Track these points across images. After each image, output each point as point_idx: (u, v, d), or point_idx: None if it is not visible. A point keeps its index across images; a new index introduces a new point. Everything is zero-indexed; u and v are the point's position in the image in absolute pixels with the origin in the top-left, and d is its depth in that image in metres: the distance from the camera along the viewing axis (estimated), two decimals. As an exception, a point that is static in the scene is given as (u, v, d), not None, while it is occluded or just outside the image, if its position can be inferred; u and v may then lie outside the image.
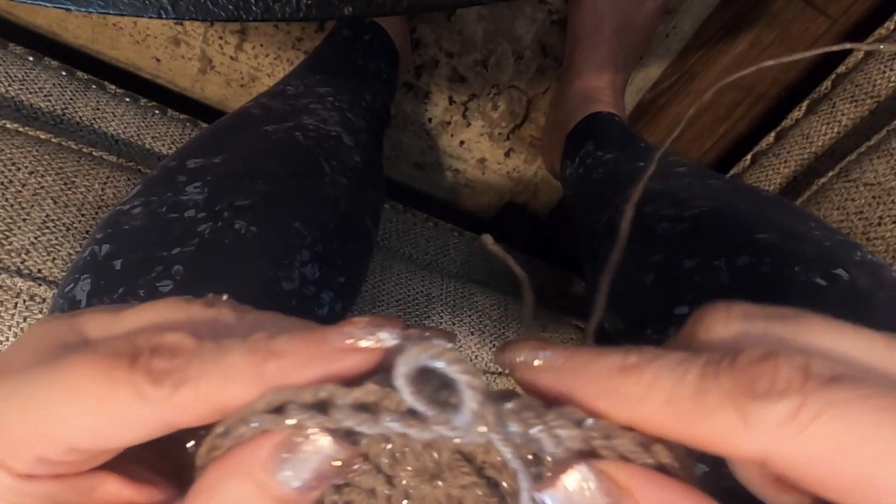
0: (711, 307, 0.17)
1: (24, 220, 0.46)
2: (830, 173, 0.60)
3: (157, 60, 0.79)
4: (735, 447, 0.14)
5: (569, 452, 0.15)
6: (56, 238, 0.47)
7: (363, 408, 0.16)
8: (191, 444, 0.18)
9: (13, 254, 0.45)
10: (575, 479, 0.15)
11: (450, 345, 0.16)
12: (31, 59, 0.61)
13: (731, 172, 0.75)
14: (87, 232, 0.48)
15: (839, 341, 0.15)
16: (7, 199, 0.47)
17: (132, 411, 0.15)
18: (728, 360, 0.14)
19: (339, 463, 0.15)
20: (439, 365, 0.15)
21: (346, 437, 0.16)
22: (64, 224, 0.48)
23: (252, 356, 0.15)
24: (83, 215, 0.49)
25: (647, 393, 0.14)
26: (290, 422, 0.15)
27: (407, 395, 0.15)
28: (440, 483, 0.17)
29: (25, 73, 0.59)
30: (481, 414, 0.15)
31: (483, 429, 0.15)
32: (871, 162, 0.56)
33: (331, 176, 0.43)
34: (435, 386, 0.16)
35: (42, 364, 0.16)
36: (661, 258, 0.42)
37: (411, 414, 0.16)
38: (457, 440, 0.16)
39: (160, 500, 0.18)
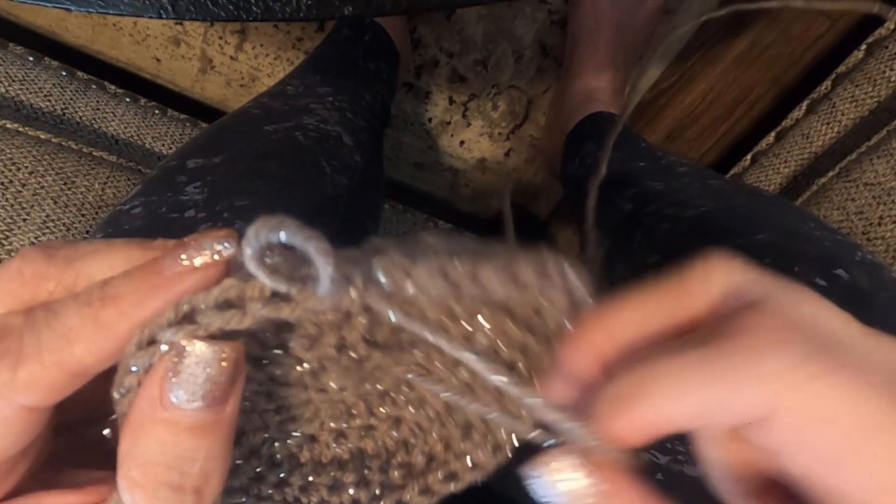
0: (714, 258, 0.17)
1: (24, 220, 0.46)
2: (830, 173, 0.60)
3: (157, 60, 0.79)
4: (740, 397, 0.14)
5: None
6: (56, 238, 0.47)
7: (228, 305, 0.15)
8: (106, 431, 0.17)
9: (13, 254, 0.45)
10: (563, 465, 0.15)
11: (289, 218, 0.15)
12: (31, 59, 0.61)
13: (731, 172, 0.75)
14: (87, 232, 0.48)
15: (827, 318, 0.16)
16: (7, 199, 0.47)
17: None
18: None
19: (226, 362, 0.15)
20: (283, 237, 0.14)
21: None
22: (64, 224, 0.48)
23: (87, 308, 0.15)
24: (83, 215, 0.49)
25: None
26: (163, 347, 0.15)
27: (263, 278, 0.15)
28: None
29: (25, 73, 0.59)
30: (340, 277, 0.15)
31: (353, 293, 0.15)
32: (871, 162, 0.56)
33: (331, 176, 0.43)
34: (294, 263, 0.15)
35: None
36: (661, 258, 0.42)
37: (277, 297, 0.15)
38: (327, 310, 0.16)
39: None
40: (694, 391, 0.14)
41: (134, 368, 0.15)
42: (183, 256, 0.15)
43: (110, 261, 0.16)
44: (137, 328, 0.15)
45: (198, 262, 0.15)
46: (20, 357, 0.14)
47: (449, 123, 0.83)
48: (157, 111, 0.65)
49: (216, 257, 0.15)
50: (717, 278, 0.16)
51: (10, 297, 0.16)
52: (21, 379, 0.14)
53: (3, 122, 0.52)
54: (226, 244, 0.15)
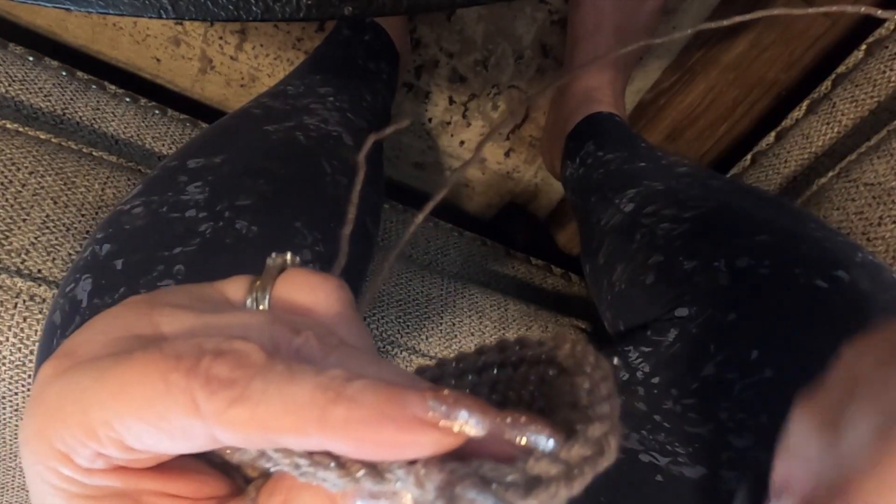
0: None
1: (24, 220, 0.46)
2: (830, 173, 0.60)
3: (157, 60, 0.79)
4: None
5: None
6: (56, 238, 0.47)
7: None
8: (230, 451, 0.17)
9: (13, 254, 0.45)
10: None
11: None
12: (31, 59, 0.61)
13: (731, 172, 0.75)
14: (88, 232, 0.48)
15: None
16: (7, 199, 0.46)
17: (180, 420, 0.14)
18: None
19: None
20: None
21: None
22: (64, 224, 0.48)
23: (322, 394, 0.14)
24: (83, 215, 0.49)
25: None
26: (398, 485, 0.13)
27: None
28: None
29: (25, 73, 0.59)
30: None
31: None
32: (871, 162, 0.56)
33: (331, 176, 0.43)
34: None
35: (108, 356, 0.15)
36: (662, 259, 0.42)
37: None
38: None
39: (211, 494, 0.17)
40: None
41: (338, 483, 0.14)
42: (432, 406, 0.14)
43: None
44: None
45: (443, 423, 0.13)
46: (241, 397, 0.14)
47: (449, 123, 0.83)
48: (157, 111, 0.65)
49: (460, 430, 0.14)
50: None
51: (264, 325, 0.16)
52: (228, 416, 0.14)
53: (3, 122, 0.52)
54: (478, 424, 0.14)
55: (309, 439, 0.14)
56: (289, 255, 0.19)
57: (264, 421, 0.14)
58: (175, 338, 0.16)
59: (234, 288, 0.18)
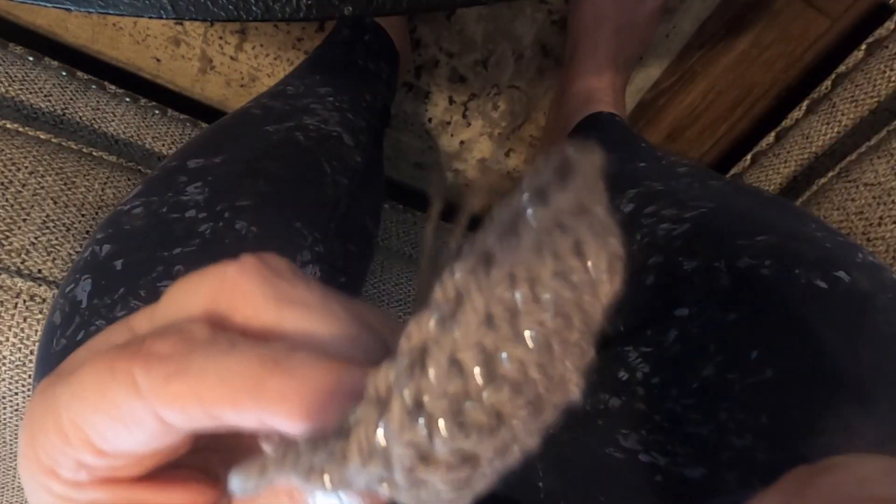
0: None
1: (24, 220, 0.46)
2: (830, 173, 0.60)
3: (157, 60, 0.79)
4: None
5: None
6: (56, 238, 0.47)
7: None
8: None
9: (13, 254, 0.45)
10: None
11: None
12: (31, 59, 0.61)
13: (731, 172, 0.75)
14: (88, 232, 0.48)
15: None
16: (7, 199, 0.46)
17: (126, 404, 0.14)
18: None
19: None
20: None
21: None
22: (64, 224, 0.48)
23: (259, 366, 0.13)
24: (83, 215, 0.49)
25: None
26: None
27: None
28: None
29: (25, 73, 0.59)
30: None
31: None
32: (871, 162, 0.56)
33: (331, 176, 0.43)
34: None
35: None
36: (662, 259, 0.42)
37: None
38: None
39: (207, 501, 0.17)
40: None
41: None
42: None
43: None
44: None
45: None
46: (178, 370, 0.13)
47: (449, 123, 0.83)
48: (157, 111, 0.65)
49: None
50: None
51: (206, 301, 0.15)
52: (166, 392, 0.13)
53: (3, 122, 0.52)
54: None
55: (244, 412, 0.13)
56: None
57: (200, 393, 0.13)
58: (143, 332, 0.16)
59: None
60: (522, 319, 0.12)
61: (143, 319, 0.16)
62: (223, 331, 0.15)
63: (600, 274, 0.12)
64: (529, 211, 0.13)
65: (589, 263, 0.12)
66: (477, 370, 0.12)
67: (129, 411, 0.14)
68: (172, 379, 0.13)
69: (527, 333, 0.12)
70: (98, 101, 0.62)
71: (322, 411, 0.13)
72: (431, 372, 0.12)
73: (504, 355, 0.12)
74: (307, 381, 0.13)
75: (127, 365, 0.14)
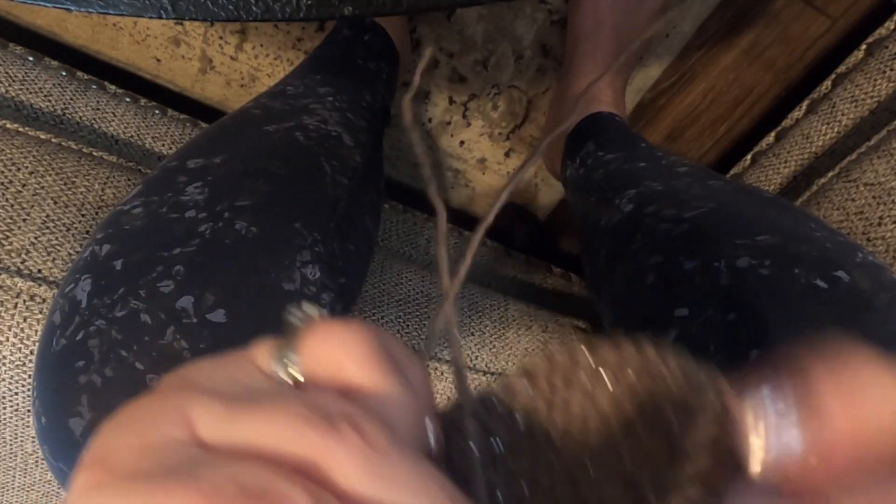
0: None
1: (24, 220, 0.46)
2: (830, 173, 0.60)
3: (157, 60, 0.79)
4: None
5: None
6: (56, 238, 0.47)
7: None
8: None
9: (13, 254, 0.45)
10: None
11: None
12: (31, 59, 0.61)
13: (731, 172, 0.75)
14: (88, 232, 0.48)
15: None
16: (7, 199, 0.46)
17: None
18: None
19: None
20: None
21: None
22: (64, 224, 0.48)
23: None
24: (83, 215, 0.49)
25: None
26: None
27: None
28: None
29: (25, 73, 0.59)
30: None
31: None
32: (871, 162, 0.56)
33: (331, 176, 0.43)
34: None
35: (142, 479, 0.14)
36: (662, 259, 0.42)
37: None
38: None
39: None
40: None
41: None
42: None
43: None
44: None
45: None
46: None
47: (449, 123, 0.83)
48: (157, 111, 0.65)
49: None
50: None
51: (283, 442, 0.14)
52: None
53: (3, 122, 0.52)
54: None
55: None
56: (309, 308, 0.18)
57: None
58: (213, 463, 0.15)
59: (262, 354, 0.18)
60: None
61: (208, 421, 0.15)
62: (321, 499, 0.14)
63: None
64: None
65: None
66: None
67: None
68: None
69: None
70: (98, 101, 0.62)
71: None
72: None
73: None
74: None
75: None
